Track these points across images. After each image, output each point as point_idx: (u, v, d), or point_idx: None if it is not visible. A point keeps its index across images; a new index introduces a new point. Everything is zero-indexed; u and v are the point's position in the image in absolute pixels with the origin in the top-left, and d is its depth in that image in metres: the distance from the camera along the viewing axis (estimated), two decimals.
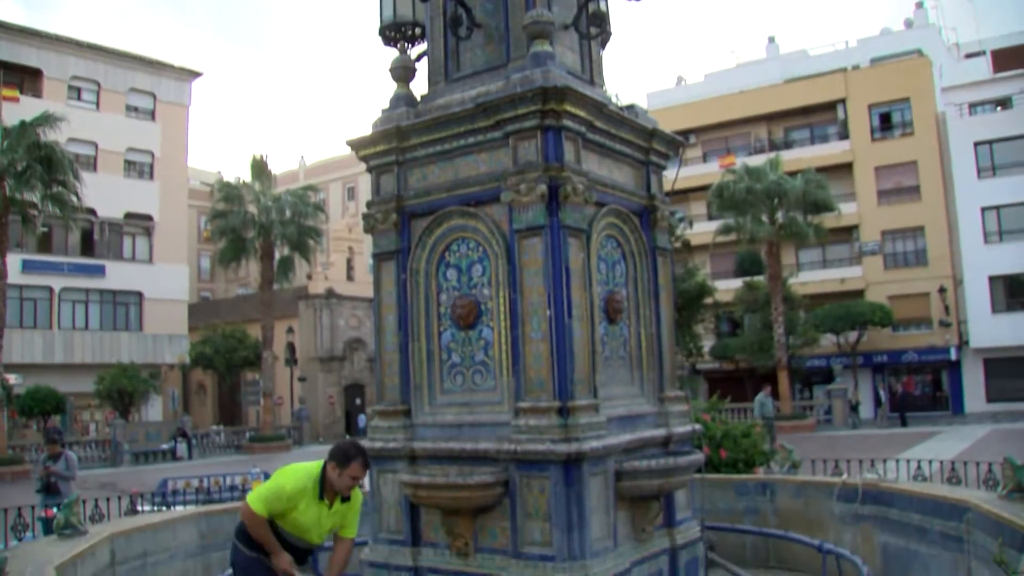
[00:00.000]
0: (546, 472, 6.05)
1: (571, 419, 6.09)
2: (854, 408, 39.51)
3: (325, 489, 5.71)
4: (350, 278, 52.09)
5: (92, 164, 43.38)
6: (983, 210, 42.09)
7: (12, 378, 34.74)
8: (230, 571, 7.02)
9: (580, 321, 6.28)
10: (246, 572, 5.87)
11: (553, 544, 6.05)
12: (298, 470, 5.80)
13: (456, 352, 6.74)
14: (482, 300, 6.61)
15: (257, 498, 5.67)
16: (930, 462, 13.85)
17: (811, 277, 45.98)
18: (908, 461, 14.43)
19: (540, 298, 6.20)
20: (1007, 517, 6.56)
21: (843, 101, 47.54)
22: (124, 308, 45.61)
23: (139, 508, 13.53)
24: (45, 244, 42.82)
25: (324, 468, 5.71)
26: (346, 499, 5.83)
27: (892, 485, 9.35)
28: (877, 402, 41.56)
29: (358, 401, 48.86)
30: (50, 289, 42.60)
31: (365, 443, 7.02)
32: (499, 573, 6.25)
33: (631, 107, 7.45)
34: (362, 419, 46.08)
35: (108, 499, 13.50)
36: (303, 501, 5.67)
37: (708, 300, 42.87)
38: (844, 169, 46.40)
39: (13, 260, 33.81)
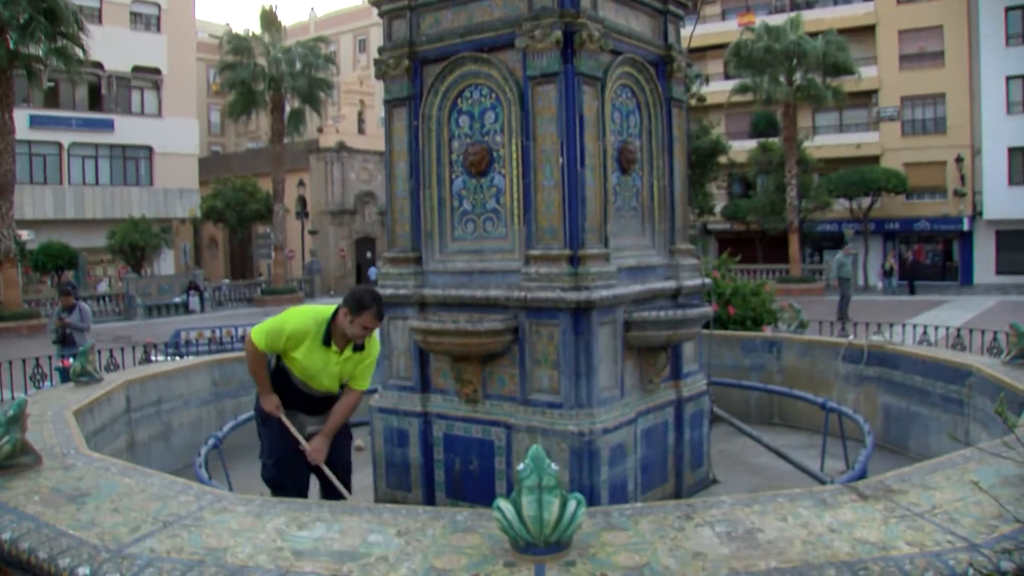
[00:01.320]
0: (555, 320, 6.08)
1: (581, 268, 6.08)
2: (887, 273, 38.98)
3: (332, 334, 5.53)
4: (361, 131, 51.54)
5: (97, 16, 42.42)
6: (1008, 79, 40.99)
7: (24, 234, 34.86)
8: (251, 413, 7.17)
9: (593, 170, 6.21)
10: (262, 419, 5.84)
11: (561, 392, 6.14)
12: (306, 312, 5.64)
13: (467, 199, 6.68)
14: (494, 147, 6.51)
15: (259, 330, 5.56)
16: (936, 328, 13.95)
17: (827, 141, 45.29)
18: (914, 326, 14.54)
19: (553, 146, 6.11)
20: (1008, 381, 6.62)
21: None
22: (134, 163, 45.38)
23: (153, 358, 13.74)
24: (52, 99, 42.31)
25: (335, 313, 5.52)
26: (359, 348, 5.67)
27: (897, 347, 9.43)
28: (886, 272, 41.51)
29: (369, 254, 49.05)
30: (59, 144, 42.29)
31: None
32: (507, 419, 6.36)
33: None
34: (372, 271, 46.54)
35: (123, 350, 13.73)
36: (305, 343, 5.50)
37: (722, 159, 42.41)
38: (866, 32, 45.15)
39: (20, 116, 33.34)
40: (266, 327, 5.54)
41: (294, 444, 5.70)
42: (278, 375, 5.74)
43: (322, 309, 5.66)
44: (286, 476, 5.72)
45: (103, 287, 39.05)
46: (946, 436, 7.76)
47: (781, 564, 3.09)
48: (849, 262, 26.62)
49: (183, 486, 4.28)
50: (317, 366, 5.59)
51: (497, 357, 6.41)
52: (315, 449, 5.67)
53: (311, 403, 5.80)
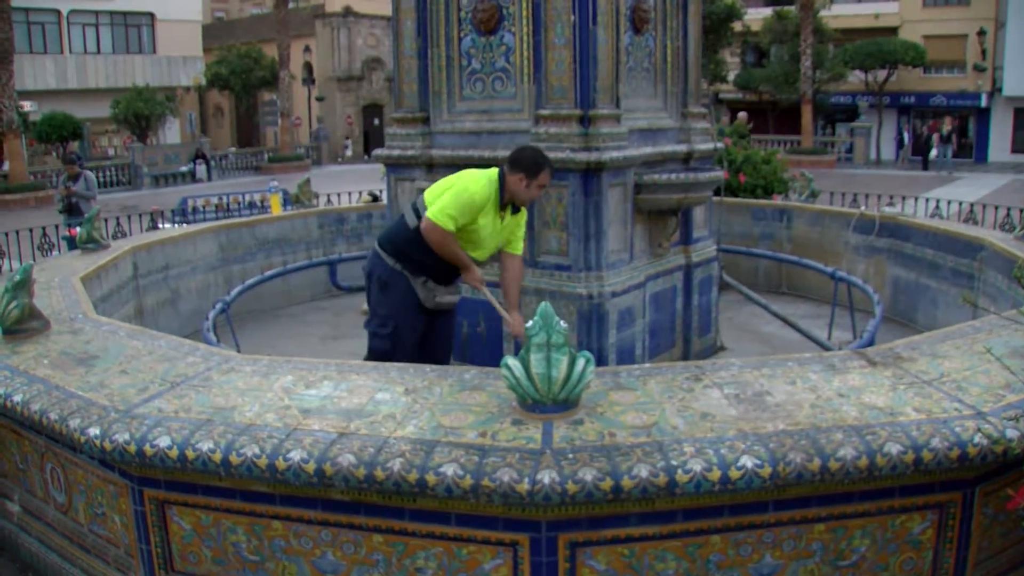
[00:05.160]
0: (564, 181, 6.00)
1: (592, 128, 5.98)
2: (946, 138, 35.63)
3: (503, 199, 5.04)
4: None
5: None
6: None
7: (27, 105, 34.36)
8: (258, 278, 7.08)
9: (605, 29, 6.02)
10: (384, 285, 5.21)
11: (569, 254, 6.12)
12: (479, 176, 5.02)
13: (476, 58, 6.52)
14: (504, 4, 6.32)
15: (443, 213, 4.86)
16: (948, 203, 13.84)
17: (844, 11, 43.91)
18: (927, 201, 14.41)
19: (564, 3, 5.93)
20: (1021, 256, 6.55)
21: None
22: (136, 30, 44.42)
23: (160, 225, 13.74)
24: None
25: (502, 178, 5.02)
26: (516, 211, 5.18)
27: (909, 220, 9.34)
28: (899, 144, 40.91)
29: (376, 121, 48.33)
30: (57, 12, 41.25)
31: (383, 151, 6.97)
32: None
33: None
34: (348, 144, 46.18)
35: (129, 218, 13.73)
36: (484, 210, 4.97)
37: (736, 26, 41.34)
38: None
39: None
40: (449, 206, 4.88)
41: (413, 315, 5.24)
42: (423, 243, 5.06)
43: (489, 173, 5.08)
44: (400, 347, 5.19)
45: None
46: (958, 302, 7.73)
47: (789, 427, 3.09)
48: None
49: (191, 348, 4.28)
50: (487, 235, 5.09)
51: None
52: (519, 323, 5.08)
53: (451, 273, 5.25)
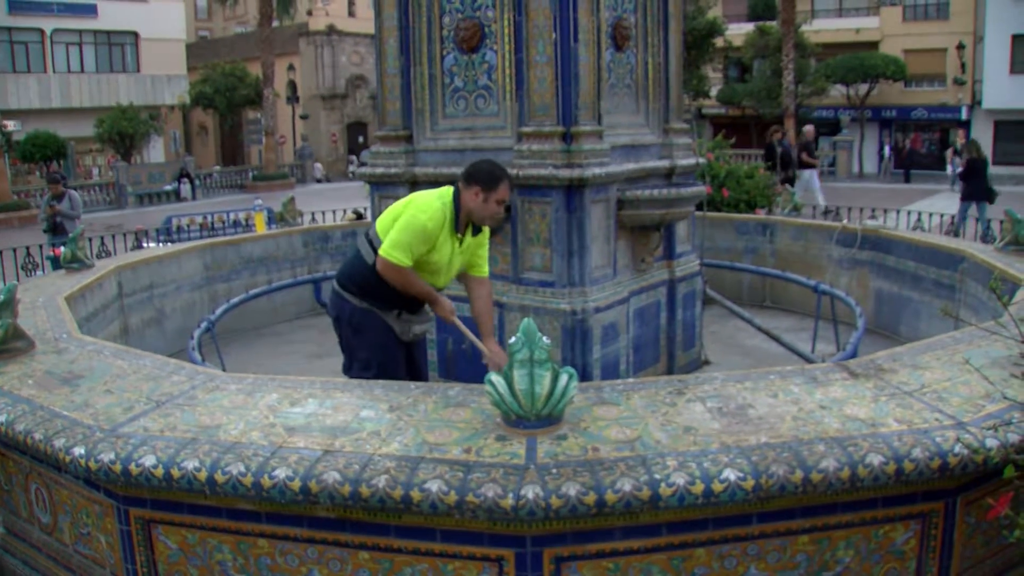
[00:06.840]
0: (548, 198, 6.04)
1: (574, 145, 6.01)
2: (960, 152, 32.57)
3: (460, 221, 4.75)
4: (351, 14, 50.42)
5: None
6: None
7: (10, 124, 34.22)
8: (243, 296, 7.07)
9: (586, 46, 6.06)
10: (356, 327, 4.95)
11: (553, 270, 6.14)
12: (431, 200, 4.69)
13: (459, 76, 6.55)
14: (486, 22, 6.35)
15: (396, 248, 4.56)
16: (930, 215, 13.93)
17: (825, 25, 44.27)
18: (909, 213, 14.50)
19: (546, 21, 5.96)
20: (1001, 267, 6.60)
21: None
22: (120, 49, 44.34)
23: (144, 244, 13.71)
24: None
25: (456, 197, 4.73)
26: (476, 231, 4.89)
27: (891, 232, 9.39)
28: (881, 157, 41.11)
29: (361, 139, 48.39)
30: (41, 31, 41.16)
31: (366, 169, 6.99)
32: (499, 298, 6.33)
33: None
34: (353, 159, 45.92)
35: (114, 237, 13.70)
36: (441, 236, 4.65)
37: (718, 42, 41.56)
38: None
39: None
40: (405, 239, 4.57)
41: (394, 350, 5.01)
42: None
43: (440, 193, 4.78)
44: None
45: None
46: (938, 314, 7.77)
47: (772, 439, 3.10)
48: None
49: (175, 366, 4.27)
50: (444, 261, 4.76)
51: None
52: (499, 355, 4.81)
53: (416, 302, 4.97)
